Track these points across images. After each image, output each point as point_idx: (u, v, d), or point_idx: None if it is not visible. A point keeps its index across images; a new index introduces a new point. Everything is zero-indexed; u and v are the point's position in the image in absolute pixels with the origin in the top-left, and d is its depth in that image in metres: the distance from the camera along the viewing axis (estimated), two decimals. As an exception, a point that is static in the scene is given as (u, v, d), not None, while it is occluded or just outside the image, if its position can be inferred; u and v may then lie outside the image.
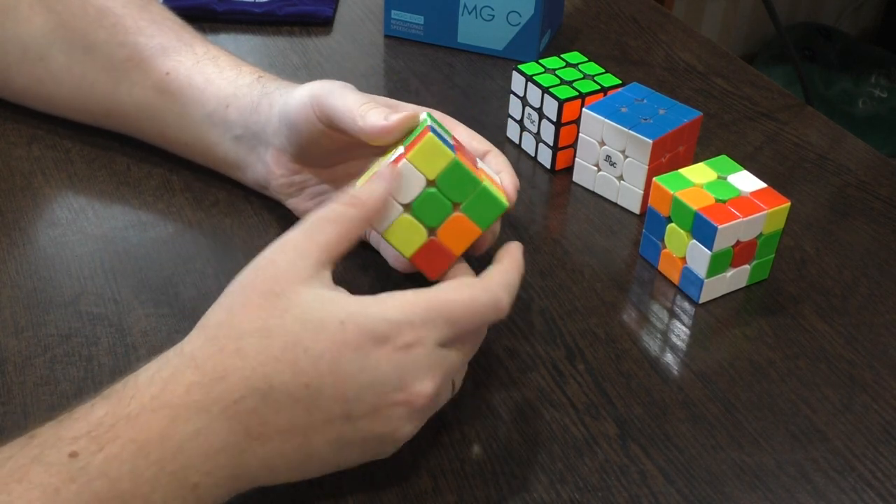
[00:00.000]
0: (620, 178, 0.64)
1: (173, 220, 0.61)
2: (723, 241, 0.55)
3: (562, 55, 0.70)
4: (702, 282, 0.57)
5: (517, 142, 0.71)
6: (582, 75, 0.68)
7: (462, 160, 0.46)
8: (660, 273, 0.60)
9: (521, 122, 0.70)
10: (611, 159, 0.64)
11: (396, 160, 0.47)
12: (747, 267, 0.58)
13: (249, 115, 0.58)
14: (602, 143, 0.64)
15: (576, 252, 0.61)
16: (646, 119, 0.63)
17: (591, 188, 0.67)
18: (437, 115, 0.56)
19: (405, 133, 0.49)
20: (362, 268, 0.58)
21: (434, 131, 0.47)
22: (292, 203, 0.59)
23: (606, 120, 0.63)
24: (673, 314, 0.57)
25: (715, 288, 0.58)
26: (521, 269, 0.47)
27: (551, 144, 0.68)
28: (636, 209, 0.65)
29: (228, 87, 0.59)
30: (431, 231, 0.47)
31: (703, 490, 0.46)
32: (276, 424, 0.40)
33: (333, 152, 0.56)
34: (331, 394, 0.40)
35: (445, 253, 0.48)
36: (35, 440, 0.37)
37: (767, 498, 0.46)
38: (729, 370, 0.53)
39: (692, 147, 0.66)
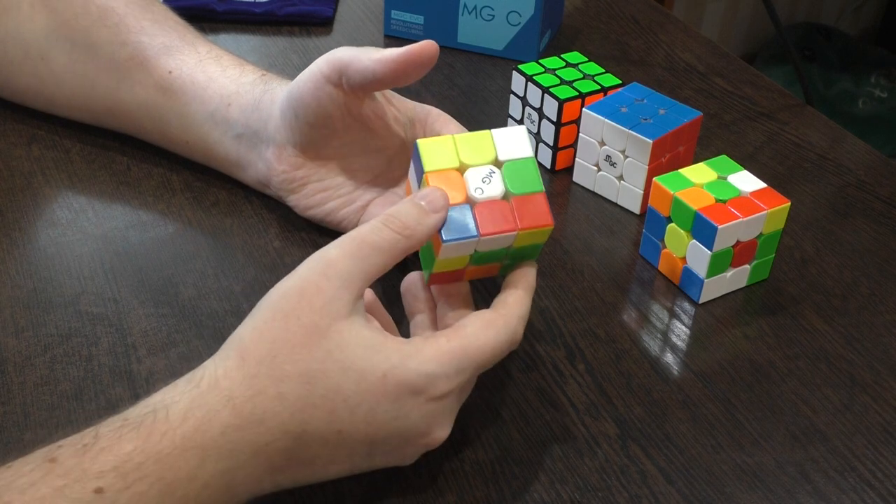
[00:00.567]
0: (620, 178, 0.64)
1: (173, 220, 0.61)
2: (723, 241, 0.55)
3: (562, 55, 0.70)
4: (702, 282, 0.57)
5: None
6: (582, 75, 0.68)
7: (484, 242, 0.46)
8: (660, 273, 0.60)
9: (521, 123, 0.70)
10: (611, 159, 0.64)
11: (505, 226, 0.45)
12: (747, 267, 0.58)
13: (251, 112, 0.58)
14: (602, 143, 0.64)
15: (576, 252, 0.61)
16: (646, 119, 0.63)
17: (591, 188, 0.67)
18: (434, 112, 0.56)
19: (419, 66, 0.50)
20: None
21: (447, 235, 0.45)
22: (293, 200, 0.59)
23: (606, 120, 0.63)
24: (673, 314, 0.57)
25: (715, 288, 0.58)
26: (533, 289, 0.47)
27: (551, 144, 0.68)
28: (636, 209, 0.65)
29: (231, 86, 0.60)
30: (503, 262, 0.48)
31: (703, 490, 0.46)
32: (300, 459, 0.41)
33: (340, 132, 0.56)
34: (361, 438, 0.41)
35: (460, 276, 0.48)
36: (56, 467, 0.36)
37: (767, 498, 0.46)
38: (729, 370, 0.53)
39: (692, 147, 0.66)
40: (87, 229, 0.60)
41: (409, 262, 0.53)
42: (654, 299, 0.58)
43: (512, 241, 0.46)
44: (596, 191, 0.67)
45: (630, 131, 0.62)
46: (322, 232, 0.60)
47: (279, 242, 0.60)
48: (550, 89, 0.66)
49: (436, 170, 0.46)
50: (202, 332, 0.53)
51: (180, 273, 0.57)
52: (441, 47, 0.83)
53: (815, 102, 0.78)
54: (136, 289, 0.56)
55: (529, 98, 0.68)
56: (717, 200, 0.56)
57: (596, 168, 0.66)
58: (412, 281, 0.49)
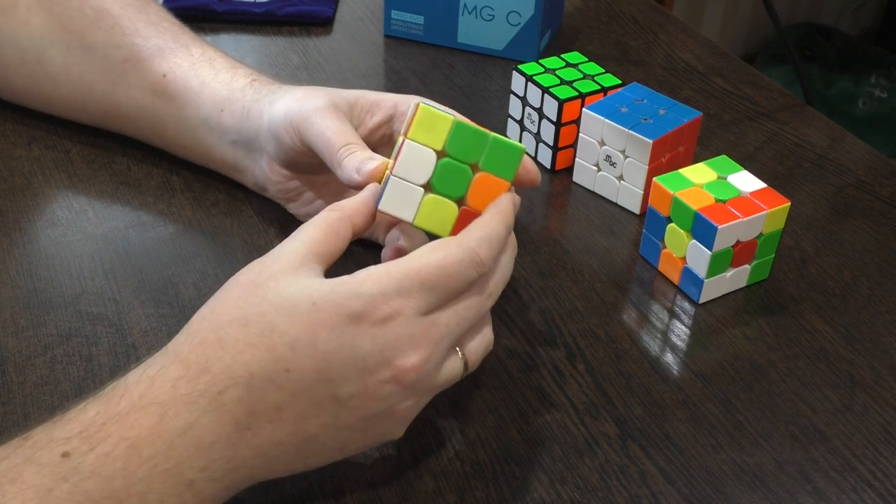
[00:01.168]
0: (620, 178, 0.64)
1: (173, 220, 0.61)
2: (723, 241, 0.55)
3: (562, 55, 0.70)
4: (702, 282, 0.57)
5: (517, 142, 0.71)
6: (582, 75, 0.68)
7: (463, 119, 0.45)
8: (660, 273, 0.60)
9: (521, 122, 0.70)
10: (611, 159, 0.64)
11: (400, 147, 0.45)
12: (747, 267, 0.58)
13: (242, 121, 0.58)
14: (602, 143, 0.64)
15: (576, 252, 0.61)
16: (646, 119, 0.63)
17: (591, 188, 0.67)
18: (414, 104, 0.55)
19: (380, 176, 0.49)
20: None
21: (425, 103, 0.45)
22: (292, 207, 0.60)
23: (606, 120, 0.63)
24: (673, 314, 0.57)
25: (715, 288, 0.58)
26: (508, 218, 0.45)
27: (551, 144, 0.68)
28: (636, 209, 0.65)
29: (223, 91, 0.59)
30: (460, 201, 0.46)
31: (703, 490, 0.46)
32: (264, 413, 0.40)
33: (319, 164, 0.56)
34: (313, 377, 0.40)
35: (469, 214, 0.46)
36: (28, 441, 0.37)
37: (767, 498, 0.46)
38: (729, 370, 0.53)
39: (692, 147, 0.66)
40: (87, 229, 0.60)
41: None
42: (654, 299, 0.58)
43: (421, 149, 0.44)
44: (596, 191, 0.67)
45: (630, 131, 0.62)
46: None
47: (279, 242, 0.60)
48: (550, 89, 0.66)
49: (417, 141, 0.46)
50: (202, 332, 0.53)
51: (180, 273, 0.57)
52: (441, 47, 0.83)
53: (815, 102, 0.78)
54: (136, 289, 0.56)
55: (529, 98, 0.68)
56: (717, 200, 0.56)
57: (596, 168, 0.66)
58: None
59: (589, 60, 0.70)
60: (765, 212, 0.56)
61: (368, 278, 0.41)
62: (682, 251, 0.57)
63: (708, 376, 0.53)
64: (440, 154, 0.45)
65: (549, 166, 0.69)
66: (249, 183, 0.61)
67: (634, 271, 0.60)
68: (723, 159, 0.60)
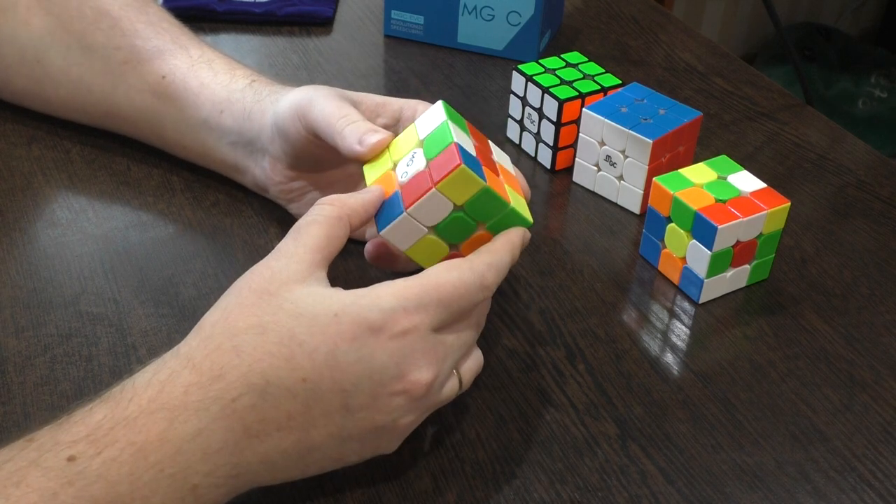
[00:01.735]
0: (620, 178, 0.64)
1: (173, 220, 0.61)
2: (723, 241, 0.55)
3: (562, 55, 0.70)
4: (702, 282, 0.57)
5: (517, 142, 0.71)
6: (582, 75, 0.68)
7: (491, 182, 0.46)
8: (660, 273, 0.60)
9: (521, 122, 0.70)
10: (611, 159, 0.64)
11: (424, 182, 0.45)
12: (747, 267, 0.58)
13: (243, 122, 0.58)
14: (602, 143, 0.64)
15: (576, 252, 0.61)
16: (646, 119, 0.63)
17: (591, 188, 0.67)
18: (420, 109, 0.54)
19: (381, 151, 0.49)
20: (361, 269, 0.58)
21: (464, 154, 0.45)
22: (294, 209, 0.59)
23: (606, 120, 0.63)
24: (673, 314, 0.57)
25: (715, 288, 0.58)
26: (514, 251, 0.46)
27: (551, 144, 0.68)
28: (636, 209, 0.65)
29: (222, 93, 0.59)
30: (454, 246, 0.47)
31: (703, 490, 0.46)
32: (275, 421, 0.40)
33: (326, 159, 0.56)
34: (328, 387, 0.40)
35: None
36: (33, 444, 0.37)
37: (767, 498, 0.46)
38: (729, 370, 0.53)
39: (692, 147, 0.66)
40: (87, 229, 0.60)
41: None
42: (654, 299, 0.58)
43: (444, 200, 0.45)
44: (596, 191, 0.67)
45: (630, 131, 0.62)
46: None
47: (279, 243, 0.60)
48: (550, 89, 0.66)
49: (375, 180, 0.48)
50: (202, 332, 0.53)
51: (180, 273, 0.57)
52: (441, 47, 0.83)
53: (815, 102, 0.78)
54: (136, 289, 0.56)
55: (529, 98, 0.68)
56: (717, 200, 0.56)
57: (596, 168, 0.66)
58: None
59: (589, 60, 0.70)
60: (765, 212, 0.56)
61: (388, 291, 0.42)
62: (682, 251, 0.57)
63: (708, 376, 0.53)
64: (457, 208, 0.46)
65: (549, 166, 0.69)
66: (250, 184, 0.61)
67: (634, 271, 0.60)
68: (723, 159, 0.60)
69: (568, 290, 0.58)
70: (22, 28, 0.64)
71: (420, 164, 0.47)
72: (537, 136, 0.69)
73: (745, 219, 0.55)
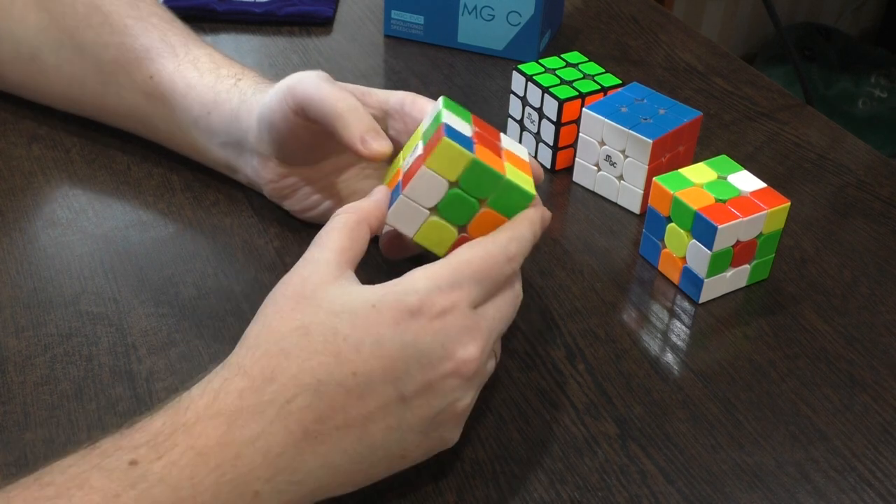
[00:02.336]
0: (620, 178, 0.64)
1: (173, 220, 0.61)
2: (723, 241, 0.55)
3: (562, 55, 0.70)
4: (702, 282, 0.57)
5: (517, 142, 0.71)
6: (582, 75, 0.68)
7: (482, 157, 0.46)
8: (660, 273, 0.60)
9: (521, 122, 0.70)
10: (611, 159, 0.64)
11: (417, 163, 0.46)
12: (747, 267, 0.58)
13: (230, 123, 0.58)
14: (602, 143, 0.64)
15: (576, 252, 0.61)
16: (646, 119, 0.63)
17: (591, 188, 0.67)
18: (407, 101, 0.54)
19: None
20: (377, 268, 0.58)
21: (450, 130, 0.46)
22: (288, 205, 0.59)
23: (606, 120, 0.63)
24: (673, 314, 0.57)
25: (715, 288, 0.58)
26: (534, 227, 0.46)
27: (551, 144, 0.68)
28: (636, 209, 0.65)
29: (209, 94, 0.59)
30: (461, 228, 0.47)
31: (703, 490, 0.46)
32: (333, 419, 0.40)
33: (315, 147, 0.55)
34: (380, 377, 0.40)
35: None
36: (96, 450, 0.38)
37: (767, 498, 0.46)
38: (729, 370, 0.53)
39: (692, 147, 0.66)
40: (87, 229, 0.60)
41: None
42: (654, 299, 0.58)
43: (436, 177, 0.45)
44: (596, 191, 0.67)
45: (630, 131, 0.62)
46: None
47: (279, 242, 0.60)
48: (550, 89, 0.66)
49: (389, 179, 0.49)
50: (202, 332, 0.53)
51: (180, 273, 0.57)
52: (441, 47, 0.83)
53: (815, 102, 0.78)
54: (136, 289, 0.56)
55: (529, 98, 0.68)
56: (717, 200, 0.56)
57: (596, 168, 0.66)
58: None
59: (589, 60, 0.70)
60: (765, 212, 0.56)
61: (421, 275, 0.42)
62: (682, 251, 0.57)
63: (708, 376, 0.53)
64: (452, 185, 0.46)
65: (549, 166, 0.69)
66: (243, 181, 0.61)
67: (634, 271, 0.60)
68: (723, 159, 0.60)
69: (568, 290, 0.58)
70: (17, 24, 0.64)
71: (418, 151, 0.48)
72: (537, 136, 0.69)
73: (745, 219, 0.55)
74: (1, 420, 0.47)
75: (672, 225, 0.58)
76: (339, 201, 0.58)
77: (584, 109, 0.64)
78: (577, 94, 0.66)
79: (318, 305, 0.41)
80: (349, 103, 0.50)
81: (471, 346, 0.42)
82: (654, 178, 0.58)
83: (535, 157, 0.70)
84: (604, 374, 0.52)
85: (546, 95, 0.66)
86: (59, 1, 0.64)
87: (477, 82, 0.79)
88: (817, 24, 2.46)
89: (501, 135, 0.51)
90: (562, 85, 0.67)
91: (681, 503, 0.46)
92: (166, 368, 0.51)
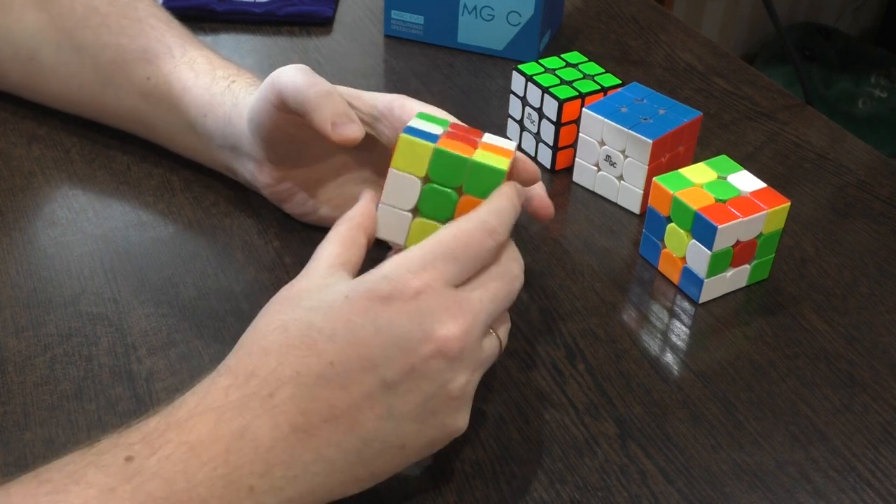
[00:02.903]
0: (620, 178, 0.64)
1: (173, 220, 0.61)
2: (723, 241, 0.55)
3: (562, 55, 0.70)
4: (702, 282, 0.57)
5: (517, 142, 0.71)
6: (582, 75, 0.68)
7: (445, 145, 0.46)
8: (660, 273, 0.60)
9: (521, 122, 0.70)
10: (611, 159, 0.64)
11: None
12: (747, 267, 0.58)
13: (225, 127, 0.58)
14: (602, 143, 0.64)
15: (576, 252, 0.61)
16: (646, 119, 0.63)
17: (591, 188, 0.67)
18: (396, 103, 0.53)
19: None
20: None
21: (409, 129, 0.46)
22: (287, 208, 0.60)
23: (606, 120, 0.63)
24: (673, 314, 0.57)
25: (715, 288, 0.58)
26: (512, 198, 0.46)
27: (551, 144, 0.68)
28: (636, 209, 0.65)
29: (204, 96, 0.59)
30: (447, 222, 0.46)
31: (703, 490, 0.46)
32: (318, 411, 0.40)
33: (303, 143, 0.55)
34: (358, 365, 0.40)
35: None
36: (93, 448, 0.38)
37: (767, 498, 0.46)
38: (729, 370, 0.53)
39: (692, 147, 0.66)
40: (87, 229, 0.60)
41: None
42: (654, 299, 0.58)
43: (405, 176, 0.45)
44: (596, 191, 0.67)
45: (630, 131, 0.62)
46: (323, 231, 0.60)
47: (279, 242, 0.60)
48: (550, 89, 0.66)
49: (400, 169, 0.47)
50: (202, 332, 0.53)
51: (180, 273, 0.57)
52: (441, 47, 0.83)
53: (815, 102, 0.78)
54: (136, 289, 0.56)
55: (529, 98, 0.68)
56: (717, 200, 0.56)
57: (596, 168, 0.66)
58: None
59: (589, 60, 0.70)
60: (765, 212, 0.56)
61: (392, 261, 0.42)
62: (682, 251, 0.57)
63: (708, 376, 0.53)
64: (424, 180, 0.46)
65: (549, 166, 0.69)
66: (242, 182, 0.61)
67: (634, 271, 0.60)
68: (723, 159, 0.60)
69: (568, 290, 0.58)
70: (16, 24, 0.64)
71: None
72: (537, 136, 0.69)
73: (745, 219, 0.55)
74: (1, 420, 0.47)
75: (672, 225, 0.58)
76: (337, 206, 0.58)
77: (584, 109, 0.64)
78: (577, 94, 0.66)
79: (297, 304, 0.42)
80: (321, 89, 0.50)
81: (450, 324, 0.41)
82: (654, 178, 0.58)
83: (535, 157, 0.70)
84: (604, 374, 0.52)
85: (546, 95, 0.66)
86: (58, 2, 0.64)
87: (477, 82, 0.79)
88: (817, 24, 2.46)
89: (486, 134, 0.51)
90: (562, 85, 0.67)
91: (681, 503, 0.46)
92: (166, 368, 0.51)
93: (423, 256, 0.42)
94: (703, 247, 0.56)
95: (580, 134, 0.65)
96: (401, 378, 0.40)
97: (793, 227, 0.64)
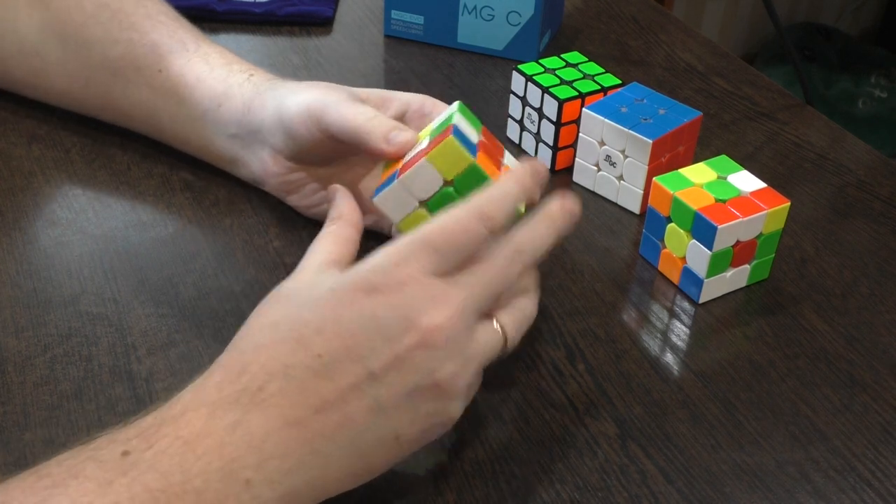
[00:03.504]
0: (620, 178, 0.64)
1: (173, 220, 0.61)
2: (723, 241, 0.55)
3: (562, 55, 0.70)
4: (702, 282, 0.57)
5: (517, 142, 0.71)
6: (582, 75, 0.68)
7: (482, 162, 0.47)
8: (660, 273, 0.60)
9: (521, 122, 0.70)
10: (611, 159, 0.64)
11: (419, 156, 0.47)
12: (747, 267, 0.58)
13: (243, 115, 0.58)
14: (602, 143, 0.64)
15: (576, 252, 0.61)
16: (646, 119, 0.63)
17: (591, 188, 0.67)
18: (427, 105, 0.56)
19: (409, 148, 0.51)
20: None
21: (458, 132, 0.47)
22: (293, 200, 0.60)
23: (606, 120, 0.63)
24: (673, 314, 0.57)
25: (715, 288, 0.58)
26: (523, 181, 0.45)
27: (551, 144, 0.68)
28: (636, 209, 0.65)
29: (219, 87, 0.59)
30: None
31: (703, 490, 0.46)
32: (308, 403, 0.40)
33: (337, 153, 0.57)
34: (344, 356, 0.40)
35: None
36: (90, 444, 0.39)
37: (767, 498, 0.46)
38: (729, 370, 0.53)
39: (692, 147, 0.66)
40: (87, 229, 0.60)
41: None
42: (654, 299, 0.58)
43: (433, 172, 0.46)
44: (596, 191, 0.67)
45: (630, 131, 0.62)
46: (322, 232, 0.60)
47: (279, 242, 0.60)
48: (550, 89, 0.66)
49: (433, 164, 0.48)
50: (202, 332, 0.53)
51: (180, 273, 0.57)
52: (441, 47, 0.83)
53: (815, 102, 0.78)
54: (136, 289, 0.56)
55: (529, 98, 0.68)
56: (717, 200, 0.56)
57: (596, 168, 0.66)
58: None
59: (589, 60, 0.70)
60: (765, 212, 0.56)
61: (377, 254, 0.43)
62: (682, 251, 0.57)
63: (708, 376, 0.53)
64: (447, 183, 0.47)
65: (549, 166, 0.69)
66: (246, 176, 0.61)
67: (634, 271, 0.60)
68: (723, 159, 0.60)
69: (568, 290, 0.58)
70: (22, 19, 0.64)
71: (422, 145, 0.49)
72: (537, 136, 0.69)
73: (745, 218, 0.55)
74: (1, 420, 0.48)
75: (672, 225, 0.58)
76: None
77: (584, 109, 0.64)
78: (577, 94, 0.66)
79: (287, 301, 0.43)
80: (366, 115, 0.52)
81: (434, 313, 0.41)
82: (654, 178, 0.58)
83: (535, 157, 0.70)
84: (604, 374, 0.52)
85: (546, 95, 0.66)
86: None
87: (477, 82, 0.79)
88: (817, 24, 2.46)
89: (506, 152, 0.52)
90: (562, 85, 0.67)
91: (681, 503, 0.46)
92: (166, 368, 0.51)
93: (407, 247, 0.42)
94: (703, 247, 0.56)
95: (580, 134, 0.65)
96: (386, 369, 0.40)
97: (793, 227, 0.64)
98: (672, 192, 0.57)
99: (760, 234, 0.57)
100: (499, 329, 0.44)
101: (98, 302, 0.55)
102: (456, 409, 0.43)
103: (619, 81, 0.68)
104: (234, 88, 0.59)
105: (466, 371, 0.42)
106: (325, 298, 0.42)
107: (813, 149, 0.73)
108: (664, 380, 0.52)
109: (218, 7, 0.84)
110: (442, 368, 0.41)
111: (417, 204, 0.47)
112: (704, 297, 0.58)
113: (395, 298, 0.41)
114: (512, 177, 0.46)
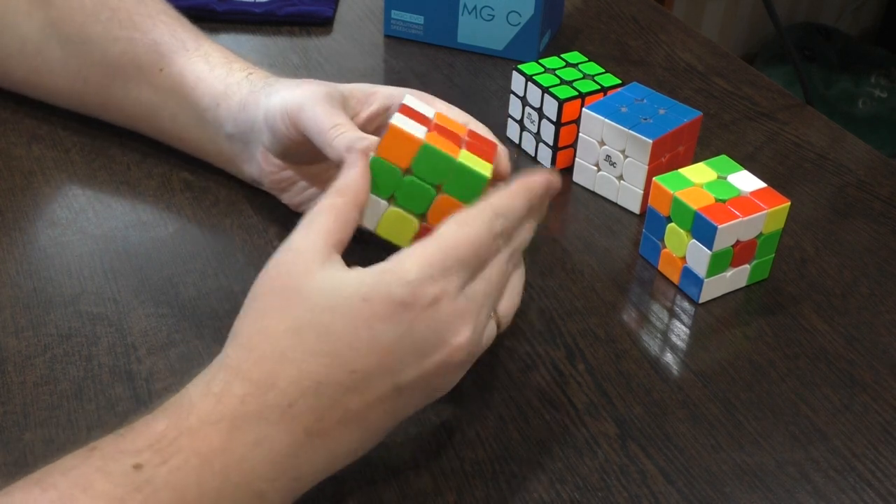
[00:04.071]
0: (620, 177, 0.64)
1: (173, 220, 0.61)
2: (723, 241, 0.55)
3: (562, 55, 0.70)
4: (702, 282, 0.57)
5: (517, 142, 0.71)
6: (582, 75, 0.68)
7: (433, 142, 0.46)
8: (660, 273, 0.60)
9: (521, 122, 0.70)
10: (611, 159, 0.64)
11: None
12: (747, 267, 0.58)
13: (238, 113, 0.58)
14: (602, 143, 0.64)
15: (576, 252, 0.61)
16: (646, 119, 0.63)
17: (591, 188, 0.67)
18: (416, 94, 0.55)
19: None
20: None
21: (399, 118, 0.46)
22: (286, 198, 0.60)
23: (606, 120, 0.63)
24: (673, 314, 0.57)
25: (715, 288, 0.58)
26: (532, 194, 0.46)
27: (551, 144, 0.68)
28: (636, 209, 0.65)
29: (219, 86, 0.59)
30: (421, 217, 0.47)
31: (703, 490, 0.46)
32: (333, 417, 0.40)
33: (315, 155, 0.56)
34: (377, 371, 0.40)
35: (426, 230, 0.47)
36: (96, 452, 0.37)
37: (767, 498, 0.46)
38: (729, 370, 0.53)
39: (692, 147, 0.66)
40: (87, 229, 0.60)
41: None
42: (654, 299, 0.58)
43: (389, 165, 0.45)
44: (596, 191, 0.67)
45: (630, 131, 0.62)
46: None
47: (279, 242, 0.59)
48: (550, 89, 0.66)
49: (384, 157, 0.47)
50: (202, 332, 0.53)
51: (180, 273, 0.57)
52: (441, 47, 0.83)
53: (815, 102, 0.78)
54: (136, 289, 0.56)
55: (529, 98, 0.68)
56: (717, 200, 0.56)
57: (596, 168, 0.66)
58: None
59: (589, 60, 0.70)
60: (765, 211, 0.56)
61: (411, 263, 0.41)
62: (682, 251, 0.57)
63: (708, 376, 0.53)
64: (406, 172, 0.46)
65: (549, 166, 0.69)
66: (245, 176, 0.62)
67: (634, 271, 0.60)
68: (723, 159, 0.60)
69: (568, 290, 0.58)
70: (24, 18, 0.64)
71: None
72: (537, 136, 0.69)
73: (745, 218, 0.55)
74: (1, 420, 0.47)
75: (672, 225, 0.58)
76: None
77: (583, 109, 0.64)
78: (576, 94, 0.66)
79: (307, 299, 0.41)
80: (333, 122, 0.50)
81: (462, 330, 0.42)
82: (654, 178, 0.58)
83: (535, 157, 0.70)
84: (604, 374, 0.52)
85: (546, 95, 0.66)
86: None
87: (477, 82, 0.79)
88: (817, 24, 2.46)
89: (472, 122, 0.51)
90: (562, 85, 0.67)
91: (681, 503, 0.46)
92: (166, 368, 0.51)
93: (443, 262, 0.42)
94: (703, 247, 0.56)
95: (580, 134, 0.65)
96: (412, 384, 0.42)
97: (793, 227, 0.64)
98: (672, 192, 0.57)
99: (760, 234, 0.57)
100: (494, 321, 0.46)
101: (98, 302, 0.55)
102: (448, 388, 0.45)
103: (619, 81, 0.68)
104: (233, 87, 0.59)
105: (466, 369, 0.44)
106: (358, 309, 0.40)
107: (813, 149, 0.73)
108: (664, 380, 0.52)
109: (218, 7, 0.84)
110: (454, 378, 0.44)
111: (386, 204, 0.46)
112: (704, 297, 0.58)
113: (429, 314, 0.41)
114: (522, 191, 0.46)
